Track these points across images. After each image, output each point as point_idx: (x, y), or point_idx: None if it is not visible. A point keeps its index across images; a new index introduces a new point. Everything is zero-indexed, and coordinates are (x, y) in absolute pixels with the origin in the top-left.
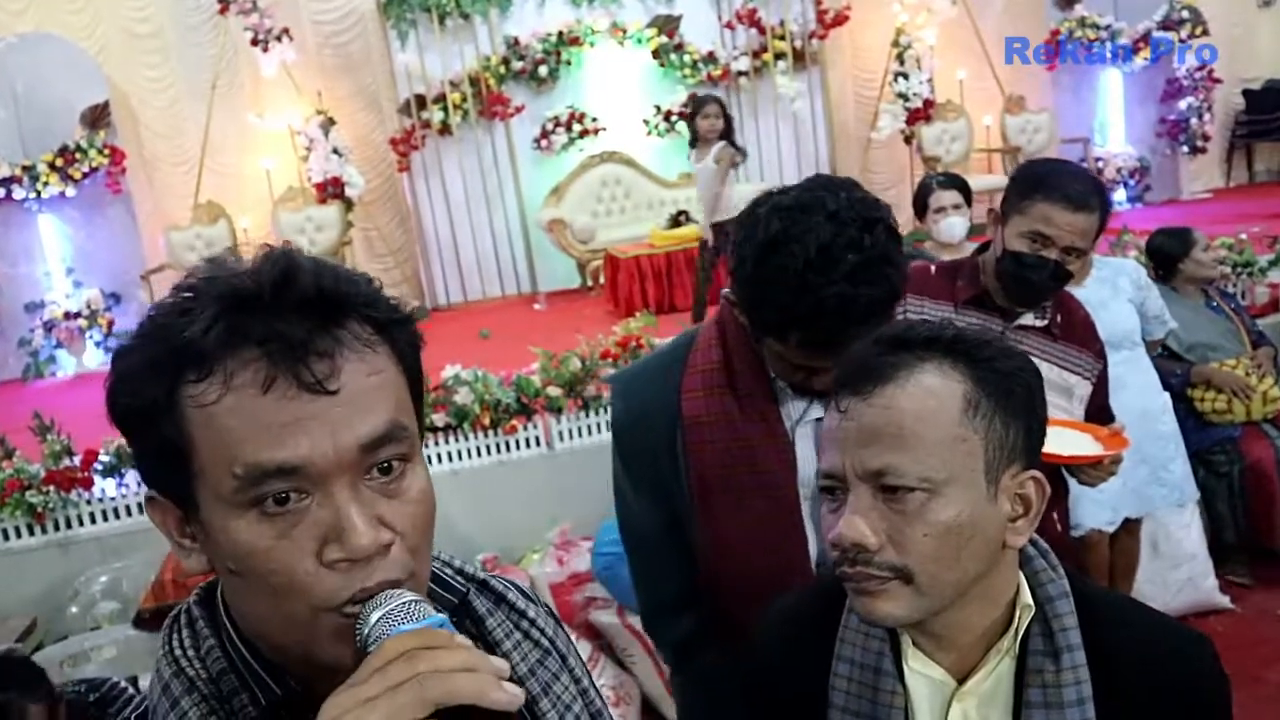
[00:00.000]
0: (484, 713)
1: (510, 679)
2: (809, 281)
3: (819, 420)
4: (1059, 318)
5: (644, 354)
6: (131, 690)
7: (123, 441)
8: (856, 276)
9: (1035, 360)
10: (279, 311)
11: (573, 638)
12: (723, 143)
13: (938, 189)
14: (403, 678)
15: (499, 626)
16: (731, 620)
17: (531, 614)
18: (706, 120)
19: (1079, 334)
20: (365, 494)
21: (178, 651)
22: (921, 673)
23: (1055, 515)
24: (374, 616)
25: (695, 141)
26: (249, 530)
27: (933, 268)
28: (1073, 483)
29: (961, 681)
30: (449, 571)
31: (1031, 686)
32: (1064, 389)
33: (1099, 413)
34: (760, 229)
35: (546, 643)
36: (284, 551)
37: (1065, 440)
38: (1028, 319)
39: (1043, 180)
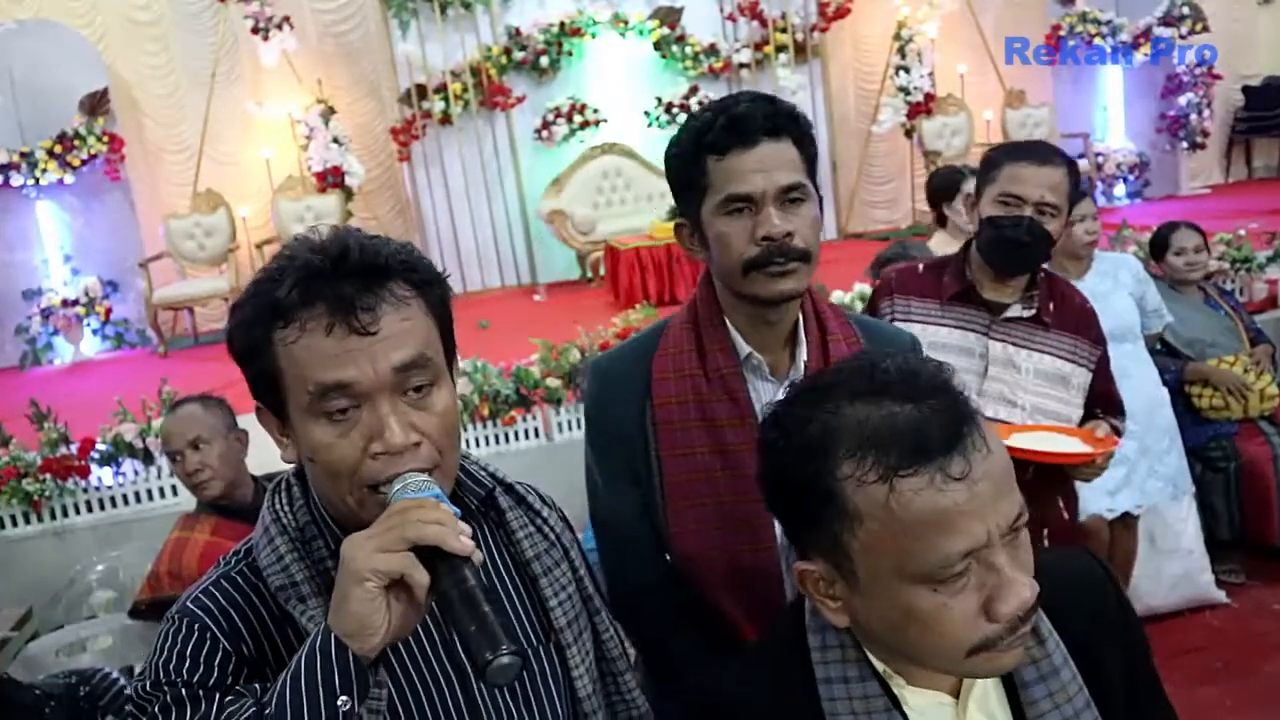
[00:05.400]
0: (449, 556)
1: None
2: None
3: None
4: (1051, 305)
5: None
6: (123, 681)
7: (120, 430)
8: None
9: (1026, 351)
10: (337, 278)
11: (576, 539)
12: None
13: (970, 175)
14: (396, 525)
15: (516, 519)
16: (702, 603)
17: (545, 514)
18: None
19: (1074, 321)
20: (401, 407)
21: (278, 506)
22: (922, 705)
23: (1062, 503)
24: (396, 486)
25: None
26: (320, 431)
27: (920, 266)
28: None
29: (956, 694)
30: (484, 474)
31: (1024, 666)
32: (1060, 378)
33: (1105, 401)
34: None
35: (553, 537)
36: (343, 447)
37: (1057, 442)
38: (1015, 310)
39: (1006, 149)
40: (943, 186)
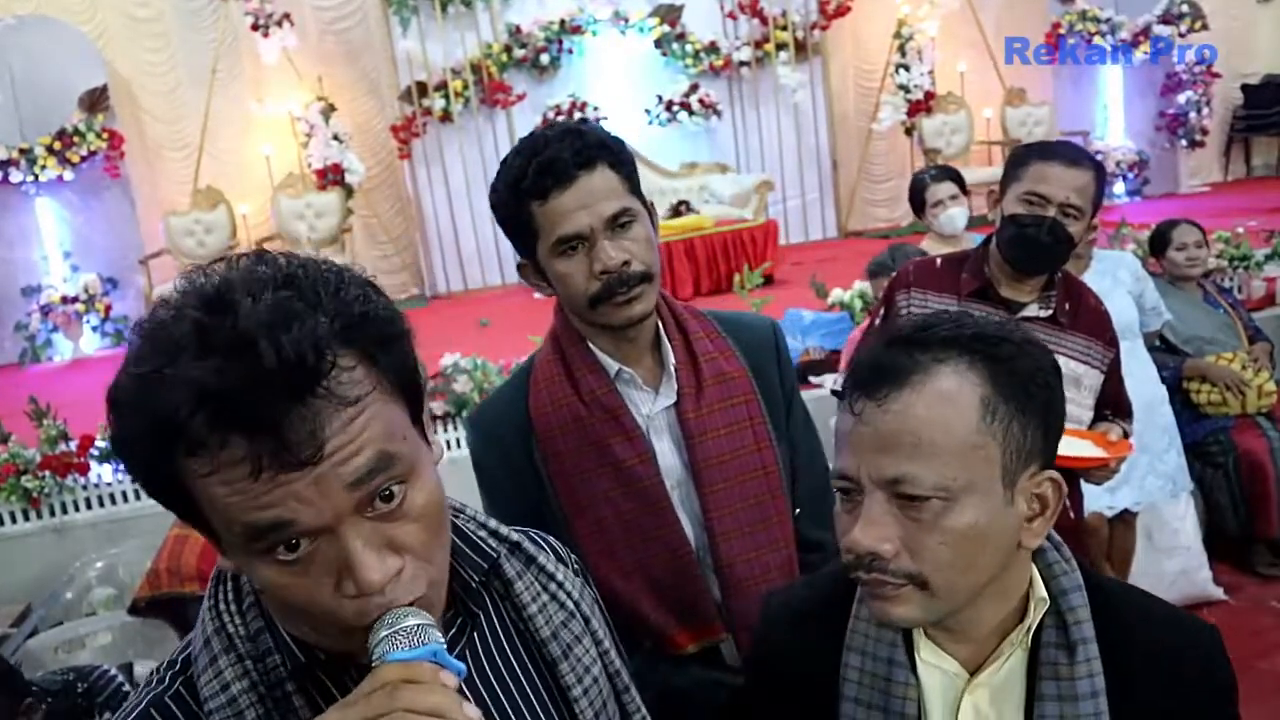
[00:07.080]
0: None
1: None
2: None
3: (668, 408)
4: (1067, 305)
5: None
6: (121, 678)
7: None
8: None
9: None
10: (253, 396)
11: (597, 597)
12: None
13: (932, 183)
14: (380, 710)
15: (526, 589)
16: (630, 623)
17: (560, 577)
18: None
19: (1089, 322)
20: (368, 527)
21: (221, 606)
22: (934, 664)
23: (1067, 502)
24: (381, 634)
25: None
26: (268, 572)
27: (938, 260)
28: None
29: (974, 674)
30: (483, 535)
31: (1045, 679)
32: (1072, 380)
33: (1115, 404)
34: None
35: (571, 605)
36: (303, 589)
37: (1071, 445)
38: (1031, 310)
39: (1036, 147)
40: (913, 200)
